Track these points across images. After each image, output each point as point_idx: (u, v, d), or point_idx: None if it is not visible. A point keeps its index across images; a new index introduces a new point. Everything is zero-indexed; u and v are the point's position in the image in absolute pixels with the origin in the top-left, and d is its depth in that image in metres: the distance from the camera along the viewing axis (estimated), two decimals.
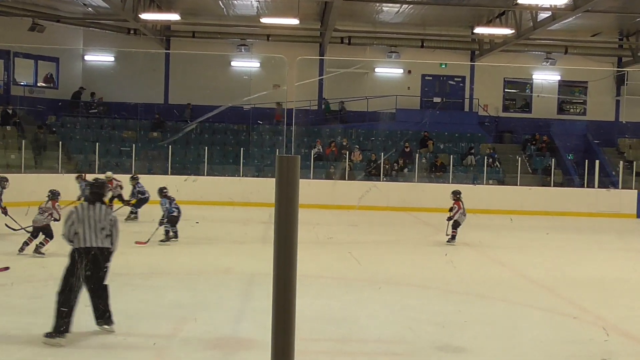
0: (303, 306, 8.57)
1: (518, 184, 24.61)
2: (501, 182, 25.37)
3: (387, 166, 25.08)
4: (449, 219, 15.15)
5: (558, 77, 30.51)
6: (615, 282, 11.33)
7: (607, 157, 27.53)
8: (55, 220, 11.93)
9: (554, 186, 24.84)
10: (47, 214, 12.05)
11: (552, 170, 25.19)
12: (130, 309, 8.25)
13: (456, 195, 15.28)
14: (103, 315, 7.17)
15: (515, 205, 22.92)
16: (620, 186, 24.83)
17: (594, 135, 28.88)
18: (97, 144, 23.85)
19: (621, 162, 25.72)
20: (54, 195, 12.34)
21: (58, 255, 10.27)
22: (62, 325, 6.79)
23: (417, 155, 25.30)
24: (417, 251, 14.46)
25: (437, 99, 29.82)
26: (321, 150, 25.86)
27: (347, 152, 25.07)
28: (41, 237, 11.97)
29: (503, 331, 8.01)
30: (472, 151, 26.55)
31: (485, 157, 25.61)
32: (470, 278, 11.36)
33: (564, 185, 25.60)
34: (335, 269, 11.84)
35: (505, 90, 30.67)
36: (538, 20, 23.32)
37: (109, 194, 17.16)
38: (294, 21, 24.01)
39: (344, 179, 24.22)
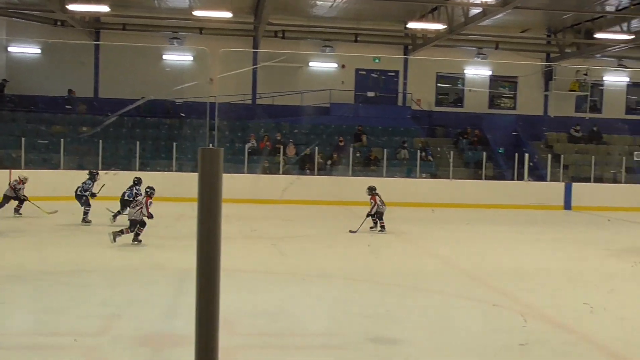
0: (238, 301, 8.60)
1: (450, 177, 24.93)
2: (434, 176, 25.67)
3: (321, 160, 25.09)
4: (369, 214, 15.88)
5: (489, 72, 31.06)
6: (543, 271, 11.57)
7: (536, 150, 28.14)
8: (144, 215, 12.84)
9: (485, 179, 25.25)
10: (138, 208, 12.85)
11: (483, 163, 25.62)
12: (57, 307, 8.01)
13: (371, 190, 16.03)
14: None
15: (447, 199, 23.23)
16: (548, 179, 25.43)
17: (523, 130, 29.49)
18: (23, 138, 23.13)
19: (549, 156, 26.34)
20: (147, 193, 13.26)
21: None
22: None
23: (351, 149, 25.37)
24: (350, 244, 14.48)
25: (370, 93, 29.99)
26: (255, 144, 25.69)
27: (282, 147, 24.99)
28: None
29: (435, 322, 8.08)
30: (405, 145, 26.78)
31: (418, 151, 25.88)
32: (401, 270, 11.45)
33: (495, 178, 26.07)
34: (270, 263, 11.77)
35: (438, 84, 31.05)
36: (469, 15, 23.67)
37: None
38: (227, 14, 23.77)
39: (279, 174, 24.13)
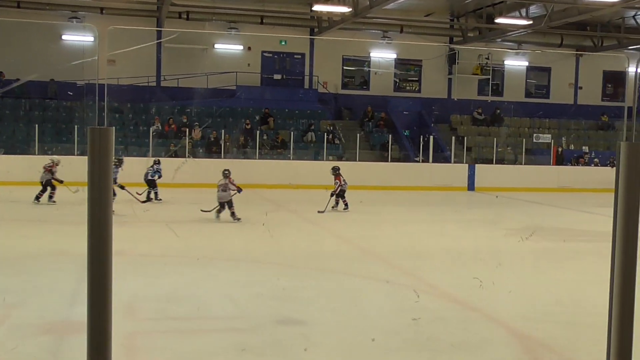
0: (141, 286, 8.34)
1: (357, 159, 25.11)
2: (340, 158, 25.79)
3: (228, 143, 24.80)
4: (333, 194, 16.54)
5: (394, 56, 31.36)
6: (446, 251, 11.78)
7: (440, 133, 28.68)
8: (239, 191, 14.68)
9: (391, 161, 25.57)
10: (229, 189, 14.52)
11: (389, 146, 25.92)
12: None
13: (335, 171, 16.80)
14: None
15: (355, 181, 23.29)
16: (452, 160, 25.98)
17: (428, 112, 30.00)
18: None
19: (453, 138, 26.89)
20: (225, 175, 14.68)
21: None
22: None
23: (258, 132, 25.18)
24: (257, 227, 14.35)
25: (277, 76, 29.81)
26: (160, 127, 25.14)
27: (187, 130, 24.54)
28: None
29: (343, 303, 8.08)
30: (312, 128, 26.80)
31: (325, 134, 25.94)
32: (309, 252, 11.44)
33: (401, 160, 26.43)
34: (175, 247, 11.51)
35: (344, 67, 31.16)
36: None
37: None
38: None
39: (185, 157, 23.69)
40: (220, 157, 23.73)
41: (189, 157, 22.93)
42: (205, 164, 22.44)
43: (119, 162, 16.34)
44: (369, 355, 6.24)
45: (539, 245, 13.14)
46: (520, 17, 25.99)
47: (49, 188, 16.56)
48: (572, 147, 29.15)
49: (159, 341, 6.42)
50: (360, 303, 8.13)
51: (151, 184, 17.80)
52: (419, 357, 6.20)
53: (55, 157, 17.26)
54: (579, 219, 17.35)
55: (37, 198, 16.49)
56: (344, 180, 16.65)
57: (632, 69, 33.99)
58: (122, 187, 15.93)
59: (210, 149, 24.68)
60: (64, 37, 27.95)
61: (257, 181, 22.56)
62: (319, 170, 23.63)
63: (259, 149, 24.59)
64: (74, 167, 20.29)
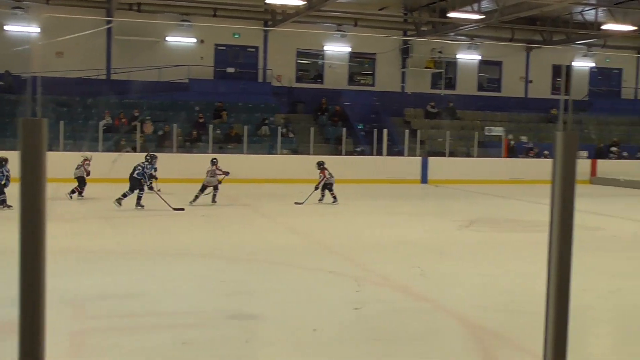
0: (89, 283, 8.20)
1: (311, 153, 25.08)
2: (295, 152, 25.75)
3: (180, 137, 24.55)
4: (316, 187, 16.97)
5: (349, 49, 31.36)
6: (398, 243, 11.81)
7: (394, 126, 28.79)
8: (226, 174, 16.64)
9: (345, 155, 25.58)
10: (216, 174, 16.40)
11: (343, 139, 25.95)
12: None
13: (320, 165, 17.22)
14: None
15: (309, 174, 23.23)
16: (405, 153, 26.10)
17: (382, 106, 30.10)
18: None
19: (407, 131, 27.00)
20: (213, 163, 16.66)
21: None
22: None
23: (211, 126, 24.97)
24: (210, 221, 14.25)
25: (230, 69, 29.59)
26: (110, 121, 24.74)
27: (139, 124, 24.21)
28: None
29: (297, 296, 8.05)
30: (266, 121, 26.68)
31: (279, 127, 25.85)
32: (263, 246, 11.35)
33: (355, 153, 26.47)
34: (125, 243, 11.36)
35: (298, 61, 31.08)
36: None
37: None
38: None
39: (136, 152, 23.36)
40: (172, 152, 23.46)
41: (127, 151, 22.53)
42: (165, 159, 22.11)
43: (151, 158, 15.93)
44: (316, 347, 6.24)
45: (489, 236, 13.32)
46: (473, 11, 26.23)
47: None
48: (524, 139, 29.50)
49: (108, 339, 6.30)
50: (311, 295, 8.11)
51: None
52: (371, 348, 6.20)
53: (88, 154, 18.06)
54: (529, 209, 17.59)
55: (77, 193, 17.18)
56: (329, 173, 17.07)
57: (575, 63, 34.60)
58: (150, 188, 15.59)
59: (162, 143, 24.39)
60: (6, 27, 27.20)
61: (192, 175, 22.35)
62: (273, 164, 23.64)
63: (212, 142, 24.39)
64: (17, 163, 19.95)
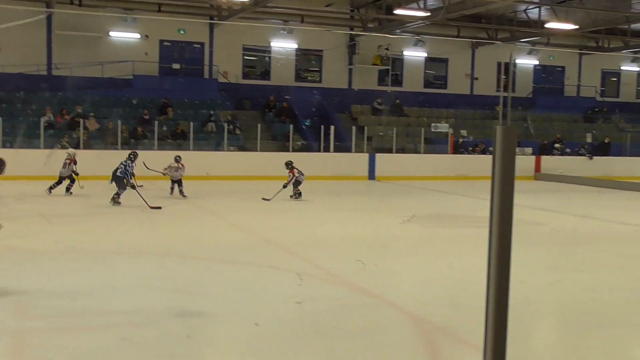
0: (34, 283, 8.00)
1: (258, 149, 24.98)
2: (242, 149, 25.59)
3: (125, 134, 24.17)
4: (285, 186, 17.26)
5: (295, 46, 31.29)
6: (345, 239, 11.84)
7: (341, 123, 28.85)
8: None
9: (293, 151, 25.50)
10: (180, 169, 17.33)
11: (290, 136, 25.89)
12: None
13: (289, 165, 17.66)
14: None
15: (256, 171, 23.22)
16: (353, 150, 26.18)
17: (329, 102, 30.12)
18: None
19: (354, 128, 27.10)
20: (177, 160, 17.41)
21: None
22: None
23: (156, 122, 24.65)
24: (156, 220, 14.04)
25: (176, 65, 29.23)
26: (52, 118, 24.20)
27: (82, 120, 23.74)
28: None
29: (241, 292, 8.01)
30: (213, 118, 26.45)
31: (226, 124, 25.66)
32: (212, 243, 11.27)
33: (303, 150, 26.42)
34: (71, 241, 11.08)
35: (245, 57, 30.88)
36: None
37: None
38: None
39: (80, 149, 22.89)
40: (117, 148, 23.07)
41: (62, 147, 22.00)
42: (93, 155, 21.74)
43: (134, 156, 16.13)
44: (258, 342, 6.21)
45: (433, 232, 13.42)
46: (419, 8, 26.39)
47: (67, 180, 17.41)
48: (464, 134, 29.81)
49: (53, 339, 6.18)
50: (255, 291, 8.07)
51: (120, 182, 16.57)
52: (314, 342, 6.18)
53: (72, 150, 18.08)
54: (473, 205, 17.77)
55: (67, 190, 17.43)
56: (298, 171, 17.51)
57: (520, 61, 35.18)
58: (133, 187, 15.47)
59: (107, 140, 23.97)
60: None
61: (155, 173, 22.10)
62: (220, 160, 23.46)
63: (157, 139, 24.07)
64: None
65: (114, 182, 15.56)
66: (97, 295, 7.70)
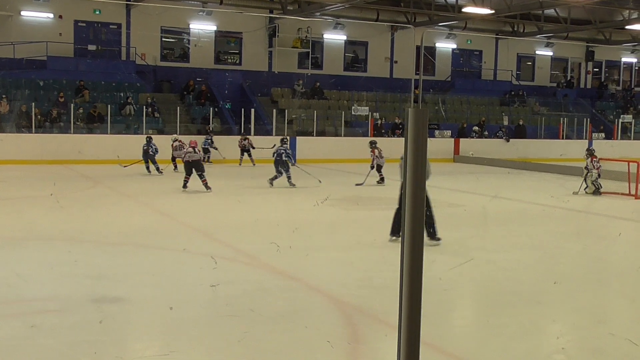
0: None
1: (178, 133, 24.63)
2: (161, 132, 25.19)
3: (39, 117, 23.45)
4: (372, 167, 17.86)
5: (215, 28, 30.92)
6: (260, 222, 11.93)
7: (262, 105, 28.73)
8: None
9: (215, 134, 25.25)
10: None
11: (210, 118, 25.64)
12: None
13: (371, 144, 18.20)
14: None
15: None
16: (274, 133, 26.12)
17: (249, 85, 29.94)
18: None
19: (274, 110, 27.03)
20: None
21: None
22: None
23: (72, 105, 24.00)
24: (74, 205, 13.73)
25: (92, 47, 28.47)
26: None
27: None
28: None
29: (163, 278, 8.01)
30: (131, 101, 25.94)
31: (145, 107, 25.21)
32: (128, 228, 11.17)
33: (223, 133, 26.21)
34: None
35: (163, 39, 30.34)
36: None
37: None
38: None
39: None
40: (31, 132, 22.42)
41: None
42: (20, 139, 21.17)
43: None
44: (173, 325, 6.23)
45: (355, 214, 13.58)
46: None
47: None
48: (376, 116, 30.07)
49: None
50: (171, 276, 8.11)
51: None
52: (231, 325, 6.19)
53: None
54: (390, 187, 18.00)
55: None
56: (378, 152, 17.90)
57: (439, 45, 35.75)
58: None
59: (20, 123, 23.23)
60: None
61: (73, 157, 21.61)
62: (138, 145, 23.01)
63: (73, 122, 23.46)
64: None
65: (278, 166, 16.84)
66: (4, 283, 7.51)
